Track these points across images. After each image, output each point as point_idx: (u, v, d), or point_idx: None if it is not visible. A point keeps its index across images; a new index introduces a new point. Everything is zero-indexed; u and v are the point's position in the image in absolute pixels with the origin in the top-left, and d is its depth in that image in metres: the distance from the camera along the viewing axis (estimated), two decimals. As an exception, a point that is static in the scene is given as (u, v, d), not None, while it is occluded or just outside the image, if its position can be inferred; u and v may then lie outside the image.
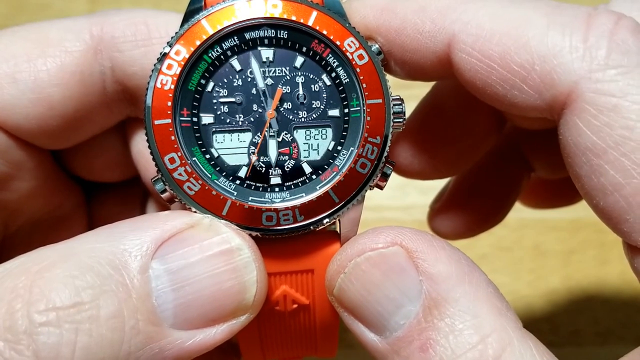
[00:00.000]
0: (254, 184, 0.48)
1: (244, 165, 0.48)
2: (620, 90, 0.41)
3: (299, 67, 0.48)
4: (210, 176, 0.47)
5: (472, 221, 0.70)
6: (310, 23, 0.47)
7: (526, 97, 0.44)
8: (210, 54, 0.47)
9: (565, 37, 0.43)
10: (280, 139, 0.48)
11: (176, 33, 0.47)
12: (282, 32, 0.48)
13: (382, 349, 0.44)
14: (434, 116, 0.62)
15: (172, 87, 0.46)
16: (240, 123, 0.48)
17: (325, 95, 0.48)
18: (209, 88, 0.48)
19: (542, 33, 0.43)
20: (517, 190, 0.70)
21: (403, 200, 0.91)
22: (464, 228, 0.70)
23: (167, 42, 0.46)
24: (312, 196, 0.47)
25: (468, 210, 0.70)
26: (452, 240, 0.69)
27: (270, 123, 0.48)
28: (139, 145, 0.58)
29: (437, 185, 0.93)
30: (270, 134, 0.48)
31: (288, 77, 0.48)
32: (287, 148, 0.48)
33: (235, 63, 0.48)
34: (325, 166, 0.48)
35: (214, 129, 0.48)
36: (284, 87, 0.48)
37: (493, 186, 0.69)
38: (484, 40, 0.45)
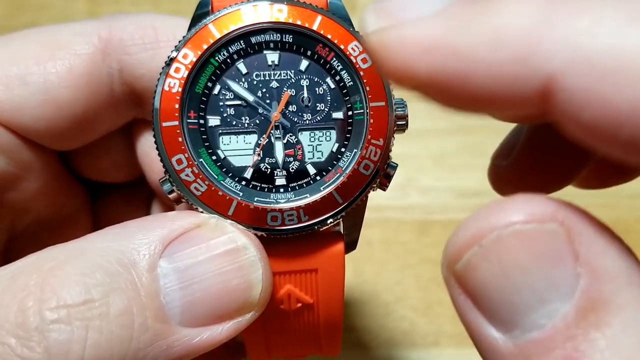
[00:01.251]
0: (259, 184, 0.49)
1: (249, 166, 0.49)
2: None
3: (303, 70, 0.49)
4: (216, 177, 0.48)
5: (540, 181, 0.56)
6: (315, 27, 0.48)
7: None
8: (217, 58, 0.48)
9: None
10: (285, 141, 0.49)
11: (184, 37, 0.47)
12: (287, 36, 0.48)
13: (504, 350, 0.33)
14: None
15: (180, 90, 0.47)
16: (246, 125, 0.49)
17: (329, 98, 0.49)
18: (216, 91, 0.49)
19: None
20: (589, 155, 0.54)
21: (403, 200, 0.92)
22: (531, 188, 0.49)
23: (175, 46, 0.47)
24: (316, 197, 0.48)
25: (539, 169, 0.55)
26: None
27: (275, 125, 0.49)
28: (145, 146, 0.59)
29: (437, 185, 0.94)
30: (276, 136, 0.49)
31: (293, 80, 0.49)
32: (292, 150, 0.49)
33: (241, 66, 0.49)
34: (329, 167, 0.49)
35: (220, 131, 0.49)
36: (289, 90, 0.49)
37: (568, 146, 0.46)
38: (604, 84, 0.29)
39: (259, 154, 0.49)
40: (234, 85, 0.48)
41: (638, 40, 0.28)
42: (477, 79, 0.32)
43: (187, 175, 0.47)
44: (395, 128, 0.48)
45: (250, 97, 0.49)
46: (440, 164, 0.95)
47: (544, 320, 0.32)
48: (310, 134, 0.49)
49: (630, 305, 0.31)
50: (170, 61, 0.47)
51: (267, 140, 0.49)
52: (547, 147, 0.54)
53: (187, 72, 0.47)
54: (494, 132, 0.71)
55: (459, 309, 0.36)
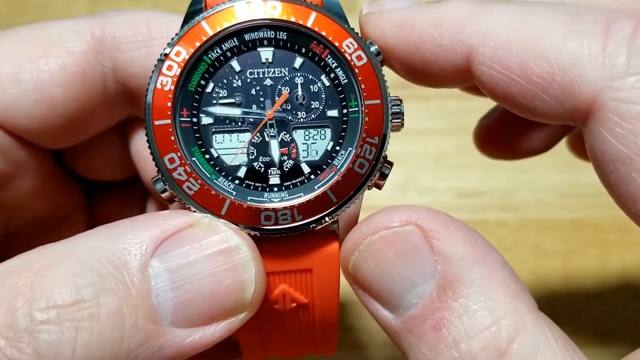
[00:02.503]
0: (252, 183, 0.48)
1: (243, 165, 0.48)
2: None
3: (298, 68, 0.48)
4: (209, 176, 0.48)
5: (520, 142, 0.68)
6: (309, 24, 0.47)
7: (548, 107, 0.44)
8: (210, 55, 0.48)
9: (584, 45, 0.42)
10: (279, 139, 0.48)
11: (176, 34, 0.47)
12: (281, 33, 0.48)
13: (395, 326, 0.44)
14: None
15: (172, 87, 0.46)
16: (239, 124, 0.48)
17: (324, 96, 0.49)
18: (209, 89, 0.48)
19: (561, 43, 0.43)
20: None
21: (403, 200, 0.91)
22: (510, 148, 0.69)
23: (168, 43, 0.47)
24: (311, 196, 0.47)
25: (519, 130, 0.68)
26: (492, 159, 0.70)
27: (269, 124, 0.48)
28: (139, 145, 0.59)
29: (437, 185, 0.94)
30: (271, 134, 0.48)
31: (287, 78, 0.48)
32: (286, 148, 0.49)
33: (234, 64, 0.48)
34: (324, 166, 0.49)
35: (213, 129, 0.48)
36: (283, 88, 0.48)
37: None
38: (503, 52, 0.45)
39: (242, 150, 0.48)
40: (217, 110, 0.48)
41: (523, 24, 0.45)
42: (425, 46, 0.48)
43: (179, 174, 0.46)
44: (390, 126, 0.48)
45: (237, 112, 0.48)
46: (440, 163, 0.94)
47: (416, 299, 0.43)
48: (304, 133, 0.49)
49: (476, 279, 0.41)
50: (163, 58, 0.46)
51: (261, 138, 0.48)
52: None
53: (179, 70, 0.46)
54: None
55: (360, 299, 0.46)
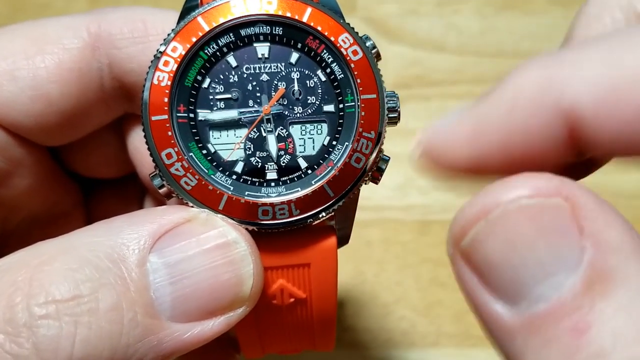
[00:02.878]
0: (250, 179, 0.48)
1: (240, 160, 0.49)
2: None
3: (294, 63, 0.49)
4: (206, 171, 0.48)
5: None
6: (304, 19, 0.47)
7: None
8: (206, 51, 0.48)
9: None
10: (276, 134, 0.49)
11: (173, 30, 0.47)
12: (277, 28, 0.48)
13: (510, 324, 0.34)
14: None
15: (169, 83, 0.47)
16: (236, 119, 0.49)
17: (320, 90, 0.49)
18: (205, 84, 0.48)
19: None
20: None
21: (403, 200, 0.91)
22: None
23: (164, 39, 0.47)
24: (308, 190, 0.47)
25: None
26: None
27: (266, 119, 0.49)
28: (136, 141, 0.59)
29: (437, 185, 0.93)
30: (268, 129, 0.49)
31: (283, 73, 0.49)
32: (283, 143, 0.49)
33: (231, 59, 0.48)
34: (321, 161, 0.49)
35: (210, 125, 0.48)
36: (280, 84, 0.48)
37: None
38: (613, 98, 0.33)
39: (239, 146, 0.48)
40: (215, 116, 0.48)
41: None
42: (515, 139, 0.36)
43: (177, 169, 0.46)
44: (387, 121, 0.48)
45: (234, 114, 0.49)
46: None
47: (550, 292, 0.33)
48: (301, 127, 0.49)
49: (634, 276, 0.32)
50: (160, 54, 0.47)
51: (258, 133, 0.49)
52: None
53: (176, 66, 0.47)
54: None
55: (465, 287, 0.36)
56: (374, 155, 0.47)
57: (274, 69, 0.49)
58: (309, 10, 0.47)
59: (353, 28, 0.48)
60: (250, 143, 0.49)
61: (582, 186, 0.34)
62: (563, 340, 0.32)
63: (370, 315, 0.84)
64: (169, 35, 0.47)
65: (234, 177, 0.48)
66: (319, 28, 0.47)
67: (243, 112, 0.48)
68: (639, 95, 0.32)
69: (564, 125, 0.35)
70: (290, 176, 0.49)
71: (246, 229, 0.46)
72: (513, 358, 0.34)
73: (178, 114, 0.47)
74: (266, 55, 0.49)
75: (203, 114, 0.48)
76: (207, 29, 0.47)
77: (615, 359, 0.31)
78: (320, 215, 0.47)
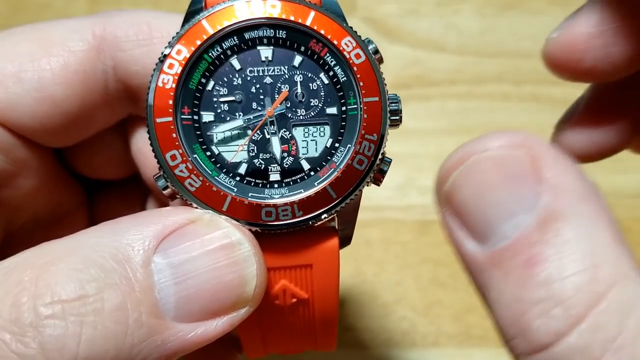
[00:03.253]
0: (253, 180, 0.49)
1: (243, 162, 0.49)
2: None
3: (297, 66, 0.49)
4: (210, 173, 0.48)
5: (613, 136, 0.61)
6: (308, 23, 0.48)
7: None
8: (210, 54, 0.48)
9: None
10: (279, 137, 0.49)
11: (177, 33, 0.47)
12: (280, 31, 0.49)
13: (480, 259, 0.39)
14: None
15: (174, 85, 0.47)
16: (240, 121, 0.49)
17: (323, 93, 0.49)
18: (210, 87, 0.49)
19: None
20: None
21: (403, 200, 0.92)
22: (604, 144, 0.61)
23: (169, 42, 0.47)
24: (311, 192, 0.48)
25: (610, 121, 0.61)
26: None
27: (270, 121, 0.49)
28: (139, 142, 0.59)
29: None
30: (271, 131, 0.49)
31: (287, 76, 0.49)
32: (286, 145, 0.49)
33: (235, 62, 0.49)
34: (323, 163, 0.49)
35: (214, 127, 0.49)
36: (283, 86, 0.49)
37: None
38: None
39: (243, 148, 0.49)
40: (221, 129, 0.49)
41: None
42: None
43: (181, 171, 0.47)
44: (389, 123, 0.48)
45: (239, 123, 0.49)
46: (440, 163, 0.94)
47: (511, 230, 0.38)
48: (304, 130, 0.49)
49: (582, 216, 0.37)
50: (164, 57, 0.47)
51: (261, 135, 0.49)
52: (606, 109, 0.60)
53: (180, 68, 0.47)
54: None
55: (448, 228, 0.42)
56: (377, 157, 0.48)
57: (278, 72, 0.49)
58: (312, 14, 0.48)
59: (356, 32, 0.48)
60: (253, 145, 0.49)
61: (544, 141, 0.39)
62: (518, 271, 0.37)
63: (370, 315, 0.85)
64: (173, 38, 0.47)
65: (238, 178, 0.49)
66: (322, 31, 0.48)
67: (248, 118, 0.49)
68: None
69: None
70: (293, 178, 0.49)
71: (249, 230, 0.47)
72: (482, 290, 0.39)
73: (182, 116, 0.48)
74: (270, 58, 0.49)
75: (212, 133, 0.49)
76: (211, 32, 0.47)
77: (558, 287, 0.36)
78: (323, 217, 0.48)
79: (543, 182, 0.38)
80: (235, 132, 0.49)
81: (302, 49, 0.49)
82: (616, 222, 0.38)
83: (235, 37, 0.48)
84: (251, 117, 0.49)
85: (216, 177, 0.48)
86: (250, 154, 0.49)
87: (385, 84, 0.48)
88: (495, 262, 0.38)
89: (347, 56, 0.48)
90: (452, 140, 0.89)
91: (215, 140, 0.49)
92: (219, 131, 0.49)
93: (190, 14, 0.49)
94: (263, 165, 0.49)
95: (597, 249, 0.37)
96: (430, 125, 0.92)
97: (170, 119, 0.47)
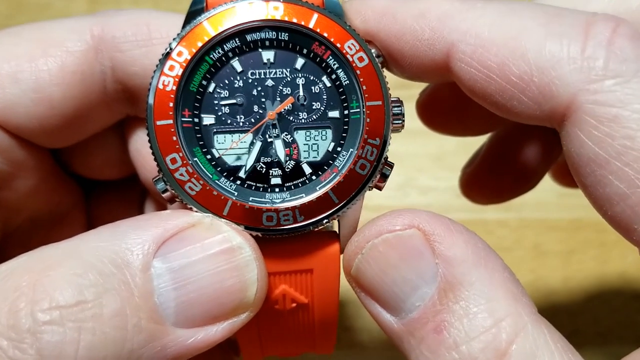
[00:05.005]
0: (254, 184, 0.48)
1: (244, 165, 0.48)
2: (619, 100, 0.41)
3: (299, 68, 0.49)
4: (211, 176, 0.48)
5: (503, 186, 0.70)
6: (311, 25, 0.47)
7: (525, 107, 0.44)
8: (211, 56, 0.47)
9: (563, 47, 0.43)
10: (282, 140, 0.49)
11: (178, 34, 0.47)
12: (283, 34, 0.48)
13: (397, 329, 0.44)
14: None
15: (174, 88, 0.46)
16: (241, 124, 0.48)
17: (325, 96, 0.49)
18: (210, 89, 0.48)
19: (540, 43, 0.43)
20: (551, 157, 0.69)
21: (403, 200, 0.92)
22: (495, 193, 0.70)
23: (169, 43, 0.47)
24: (312, 197, 0.47)
25: (499, 174, 0.69)
26: (483, 205, 0.72)
27: (271, 124, 0.48)
28: (137, 143, 0.59)
29: (437, 185, 0.94)
30: (273, 134, 0.49)
31: (289, 79, 0.48)
32: (288, 149, 0.49)
33: (236, 64, 0.48)
34: (325, 167, 0.49)
35: (215, 130, 0.48)
36: (285, 89, 0.48)
37: (526, 151, 0.68)
38: (483, 50, 0.45)
39: (236, 144, 0.48)
40: (226, 145, 0.49)
41: (504, 24, 0.45)
42: (405, 39, 0.48)
43: (181, 174, 0.46)
44: (391, 128, 0.48)
45: (249, 138, 0.49)
46: (440, 163, 0.94)
47: (418, 302, 0.43)
48: (306, 133, 0.49)
49: (477, 281, 0.42)
50: (165, 58, 0.46)
51: (262, 139, 0.48)
52: (501, 156, 0.69)
53: (181, 70, 0.46)
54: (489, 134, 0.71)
55: (363, 303, 0.47)
56: (379, 162, 0.48)
57: (279, 75, 0.48)
58: (315, 16, 0.47)
59: (359, 34, 0.48)
60: (253, 148, 0.48)
61: (434, 215, 0.44)
62: (429, 338, 0.42)
63: (368, 316, 0.84)
64: (174, 39, 0.47)
65: (238, 182, 0.48)
66: (325, 34, 0.47)
67: (249, 121, 0.48)
68: (495, 55, 0.44)
69: (443, 50, 0.47)
70: (294, 182, 0.49)
71: (250, 234, 0.46)
72: (406, 355, 0.44)
73: (183, 119, 0.47)
74: (272, 61, 0.48)
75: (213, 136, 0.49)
76: (212, 33, 0.47)
77: (465, 349, 0.40)
78: (324, 222, 0.47)
79: (437, 256, 0.43)
80: (236, 135, 0.48)
81: (305, 51, 0.48)
82: (513, 276, 0.44)
83: (236, 39, 0.48)
84: (252, 120, 0.48)
85: (217, 181, 0.48)
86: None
87: (389, 88, 0.48)
88: (409, 331, 0.43)
89: (350, 59, 0.47)
90: (452, 140, 0.89)
91: (215, 144, 0.48)
92: (221, 147, 0.48)
93: (191, 15, 0.48)
94: (264, 169, 0.48)
95: (496, 308, 0.41)
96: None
97: (171, 121, 0.46)
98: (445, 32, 0.46)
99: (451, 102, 0.65)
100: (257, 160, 0.48)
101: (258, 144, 0.49)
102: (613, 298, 0.87)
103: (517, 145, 0.68)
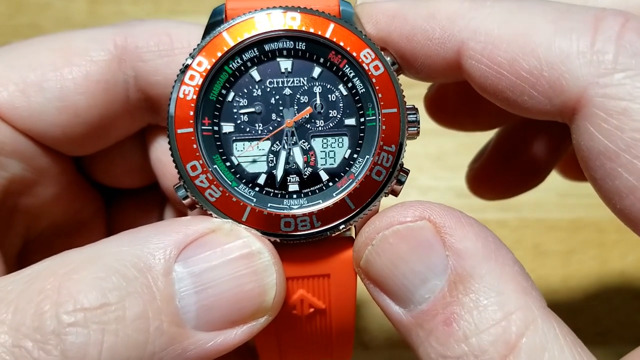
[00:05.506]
0: (272, 190, 0.49)
1: (262, 172, 0.49)
2: (628, 93, 0.41)
3: (316, 77, 0.49)
4: (230, 183, 0.48)
5: (510, 181, 0.70)
6: (327, 35, 0.48)
7: (536, 102, 0.45)
8: (230, 65, 0.48)
9: (573, 42, 0.43)
10: (299, 147, 0.49)
11: (198, 45, 0.48)
12: (300, 43, 0.49)
13: (406, 321, 0.44)
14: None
15: (194, 97, 0.47)
16: (259, 132, 0.49)
17: (341, 104, 0.50)
18: (230, 98, 0.49)
19: (550, 39, 0.44)
20: (558, 152, 0.69)
21: (403, 200, 0.92)
22: (502, 188, 0.71)
23: (190, 54, 0.48)
24: (329, 203, 0.48)
25: (507, 170, 0.69)
26: (489, 201, 0.72)
27: (289, 132, 0.49)
28: (158, 152, 0.60)
29: (437, 185, 0.94)
30: (291, 142, 0.49)
31: (306, 87, 0.49)
32: (305, 156, 0.49)
33: (254, 74, 0.49)
34: (342, 174, 0.50)
35: (234, 138, 0.49)
36: (302, 97, 0.49)
37: (534, 146, 0.69)
38: (493, 47, 0.45)
39: (253, 147, 0.49)
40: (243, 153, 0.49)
41: (514, 20, 0.45)
42: (417, 39, 0.48)
43: (201, 181, 0.47)
44: (407, 135, 0.49)
45: (266, 146, 0.50)
46: (440, 163, 0.95)
47: (428, 294, 0.43)
48: (322, 141, 0.50)
49: (487, 274, 0.42)
50: (185, 69, 0.47)
51: (280, 146, 0.49)
52: (509, 151, 0.69)
53: (201, 80, 0.47)
54: (493, 132, 0.71)
55: (371, 294, 0.47)
56: (395, 168, 0.48)
57: (297, 83, 0.49)
58: (331, 26, 0.48)
59: (374, 43, 0.49)
60: (272, 156, 0.49)
61: (445, 207, 0.45)
62: (439, 330, 0.42)
63: (371, 315, 0.85)
64: (194, 49, 0.48)
65: (257, 189, 0.49)
66: (342, 43, 0.48)
67: (267, 129, 0.49)
68: (505, 51, 0.45)
69: (454, 49, 0.47)
70: (311, 188, 0.49)
71: (268, 240, 0.47)
72: (414, 347, 0.44)
73: (203, 127, 0.48)
74: (289, 70, 0.49)
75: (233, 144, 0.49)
76: (232, 44, 0.48)
77: (474, 342, 0.41)
78: (341, 227, 0.48)
79: (448, 248, 0.43)
80: (255, 143, 0.49)
81: (322, 60, 0.49)
82: (523, 270, 0.44)
83: (255, 49, 0.49)
84: (270, 127, 0.49)
85: (236, 188, 0.48)
86: (270, 164, 0.49)
87: (404, 96, 0.48)
88: (418, 323, 0.43)
89: (366, 68, 0.48)
90: (452, 140, 0.89)
91: (235, 151, 0.49)
92: (241, 155, 0.49)
93: (211, 26, 0.49)
94: (282, 176, 0.49)
95: (506, 301, 0.41)
96: (430, 125, 0.92)
97: (191, 130, 0.47)
98: (455, 31, 0.47)
99: (459, 97, 0.66)
100: (275, 167, 0.49)
101: (283, 153, 0.49)
102: (613, 298, 0.86)
103: (525, 141, 0.68)
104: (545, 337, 0.40)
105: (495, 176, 0.70)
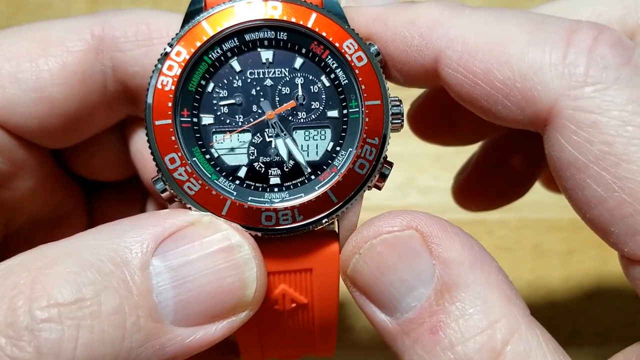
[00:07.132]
0: (253, 184, 0.48)
1: (243, 165, 0.48)
2: (598, 106, 0.41)
3: (298, 68, 0.49)
4: (210, 176, 0.48)
5: (494, 193, 0.71)
6: (309, 25, 0.47)
7: (509, 112, 0.45)
8: (210, 55, 0.48)
9: (545, 54, 0.43)
10: (282, 139, 0.49)
11: (177, 34, 0.47)
12: (281, 33, 0.48)
13: (392, 329, 0.45)
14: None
15: (173, 87, 0.46)
16: (239, 124, 0.48)
17: (324, 96, 0.49)
18: (209, 89, 0.48)
19: (523, 50, 0.44)
20: (540, 165, 0.70)
21: (403, 200, 0.92)
22: (486, 200, 0.72)
23: (168, 43, 0.47)
24: (311, 196, 0.47)
25: (491, 181, 0.71)
26: (475, 212, 0.72)
27: (270, 124, 0.48)
28: (138, 144, 0.59)
29: (437, 185, 0.94)
30: (272, 134, 0.49)
31: (288, 78, 0.48)
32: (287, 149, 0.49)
33: (235, 64, 0.48)
34: (324, 166, 0.49)
35: (213, 130, 0.48)
36: (284, 89, 0.48)
37: (517, 159, 0.70)
38: (469, 56, 0.46)
39: (229, 136, 0.48)
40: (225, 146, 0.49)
41: (490, 31, 0.45)
42: (396, 45, 0.49)
43: (180, 174, 0.46)
44: (391, 127, 0.48)
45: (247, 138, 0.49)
46: (440, 163, 0.94)
47: (414, 302, 0.44)
48: (305, 133, 0.49)
49: (473, 283, 0.43)
50: (163, 58, 0.46)
51: (261, 138, 0.48)
52: (493, 164, 0.70)
53: (180, 70, 0.47)
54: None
55: (357, 302, 0.47)
56: (378, 161, 0.47)
57: (278, 74, 0.48)
58: (314, 15, 0.47)
59: (358, 34, 0.48)
60: (253, 148, 0.48)
61: (432, 217, 0.45)
62: (424, 338, 0.43)
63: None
64: (173, 39, 0.47)
65: (237, 182, 0.48)
66: (324, 34, 0.47)
67: (247, 121, 0.48)
68: (481, 61, 0.45)
69: (431, 56, 0.47)
70: (293, 181, 0.49)
71: (249, 234, 0.46)
72: (400, 355, 0.45)
73: (182, 119, 0.47)
74: (270, 60, 0.48)
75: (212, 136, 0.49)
76: (211, 33, 0.47)
77: (460, 349, 0.41)
78: (324, 221, 0.47)
79: (435, 257, 0.44)
80: (235, 135, 0.48)
81: (303, 51, 0.48)
82: (507, 279, 0.44)
83: (235, 39, 0.48)
84: (251, 119, 0.48)
85: (215, 181, 0.48)
86: (250, 157, 0.48)
87: (388, 87, 0.48)
88: (404, 331, 0.44)
89: (349, 59, 0.47)
90: None
91: (214, 143, 0.48)
92: (220, 147, 0.48)
93: (190, 15, 0.48)
94: (263, 169, 0.48)
95: (491, 310, 0.42)
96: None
97: (170, 121, 0.46)
98: (433, 39, 0.47)
99: (440, 113, 0.66)
100: (256, 160, 0.48)
101: (257, 144, 0.49)
102: (613, 298, 0.86)
103: (508, 153, 0.70)
104: (529, 344, 0.41)
105: (480, 188, 0.72)
